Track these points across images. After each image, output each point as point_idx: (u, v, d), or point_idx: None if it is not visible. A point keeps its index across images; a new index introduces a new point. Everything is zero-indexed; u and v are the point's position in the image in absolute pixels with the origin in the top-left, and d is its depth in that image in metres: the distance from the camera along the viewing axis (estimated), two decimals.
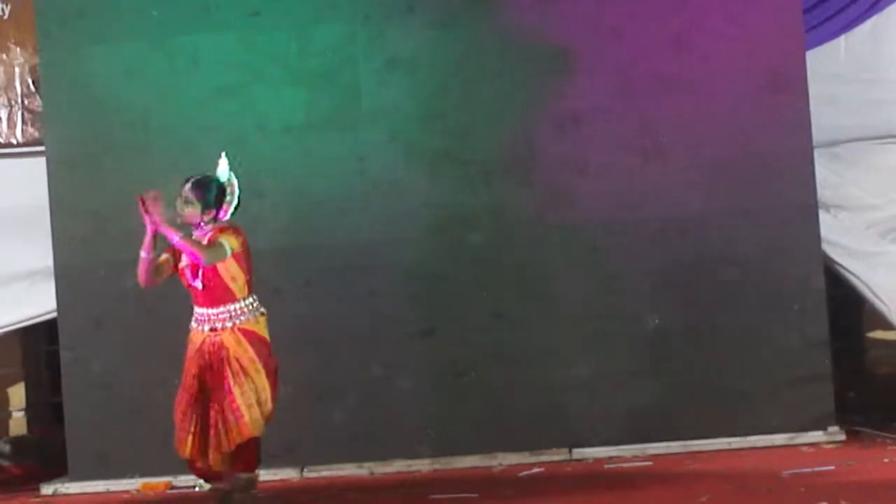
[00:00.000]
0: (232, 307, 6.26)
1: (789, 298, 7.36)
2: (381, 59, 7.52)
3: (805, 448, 7.12)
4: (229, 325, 6.26)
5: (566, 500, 6.32)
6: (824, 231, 7.48)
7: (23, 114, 8.15)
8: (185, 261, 6.26)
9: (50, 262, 7.69)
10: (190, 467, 6.42)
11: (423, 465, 7.37)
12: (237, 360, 6.21)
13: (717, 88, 7.38)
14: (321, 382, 7.44)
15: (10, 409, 8.81)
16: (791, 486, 6.03)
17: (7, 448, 8.45)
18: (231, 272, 6.24)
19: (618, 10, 7.43)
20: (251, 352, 6.23)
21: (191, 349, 6.32)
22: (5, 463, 8.35)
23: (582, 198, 7.43)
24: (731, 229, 7.40)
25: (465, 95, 7.48)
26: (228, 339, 6.24)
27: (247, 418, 6.15)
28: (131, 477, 7.53)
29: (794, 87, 7.35)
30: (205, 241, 6.22)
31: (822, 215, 7.52)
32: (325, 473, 7.41)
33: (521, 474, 7.03)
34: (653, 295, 7.41)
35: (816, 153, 7.43)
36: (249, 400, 6.18)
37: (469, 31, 7.47)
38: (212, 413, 6.18)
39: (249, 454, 6.26)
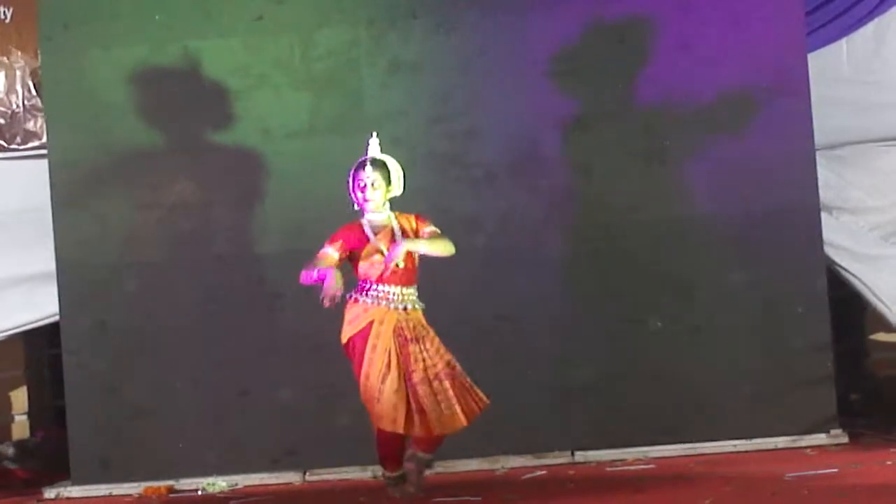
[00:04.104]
0: (415, 288, 6.30)
1: (791, 301, 7.36)
2: (384, 63, 7.51)
3: (808, 451, 7.12)
4: (419, 306, 6.27)
5: (569, 503, 6.31)
6: (826, 233, 7.47)
7: (24, 117, 8.14)
8: (374, 239, 6.19)
9: (52, 265, 7.67)
10: (393, 447, 6.37)
11: None
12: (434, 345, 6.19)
13: (719, 91, 7.37)
14: (324, 386, 7.42)
15: (13, 412, 8.80)
16: (794, 489, 6.02)
17: (10, 451, 8.42)
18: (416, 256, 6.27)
19: (620, 13, 7.42)
20: (437, 341, 6.21)
21: (378, 328, 6.17)
22: (8, 466, 8.33)
23: (585, 200, 7.44)
24: (733, 232, 7.39)
25: (468, 99, 7.48)
26: (422, 320, 6.25)
27: (458, 408, 6.12)
28: (134, 481, 7.51)
29: (796, 90, 7.34)
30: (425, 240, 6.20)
31: (825, 218, 7.52)
32: (327, 477, 7.40)
33: (523, 477, 7.03)
34: (655, 297, 7.41)
35: (818, 155, 7.43)
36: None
37: (472, 35, 7.47)
38: (424, 390, 6.10)
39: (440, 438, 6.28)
